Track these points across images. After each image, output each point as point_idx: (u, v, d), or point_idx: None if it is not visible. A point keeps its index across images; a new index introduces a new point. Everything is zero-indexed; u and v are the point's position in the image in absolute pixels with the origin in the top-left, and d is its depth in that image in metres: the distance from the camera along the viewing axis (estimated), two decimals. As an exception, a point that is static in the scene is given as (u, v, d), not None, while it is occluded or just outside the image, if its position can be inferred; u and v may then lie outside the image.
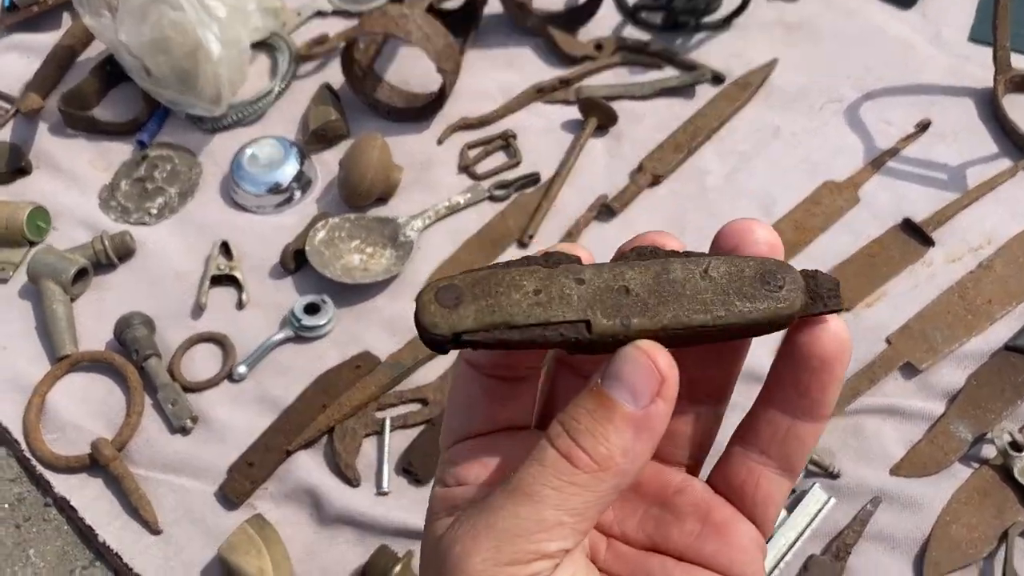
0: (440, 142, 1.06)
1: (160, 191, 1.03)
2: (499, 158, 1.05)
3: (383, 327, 0.92)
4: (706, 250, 0.31)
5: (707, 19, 1.12)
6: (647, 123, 1.06)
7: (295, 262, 0.96)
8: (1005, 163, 0.99)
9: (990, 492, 0.79)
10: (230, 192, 1.03)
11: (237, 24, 1.06)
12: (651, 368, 0.27)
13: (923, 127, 1.01)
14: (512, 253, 0.96)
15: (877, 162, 1.00)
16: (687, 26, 1.11)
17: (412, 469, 0.82)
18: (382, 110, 1.08)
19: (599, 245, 0.96)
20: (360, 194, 0.97)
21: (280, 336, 0.91)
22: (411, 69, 1.12)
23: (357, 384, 0.87)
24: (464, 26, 1.13)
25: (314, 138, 1.05)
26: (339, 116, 1.05)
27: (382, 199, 1.01)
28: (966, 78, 1.07)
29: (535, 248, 0.96)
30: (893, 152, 1.00)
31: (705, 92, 1.07)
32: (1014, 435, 0.80)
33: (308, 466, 0.84)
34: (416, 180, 1.03)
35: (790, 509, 0.78)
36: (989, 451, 0.81)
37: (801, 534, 0.77)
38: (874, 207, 0.97)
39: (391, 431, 0.85)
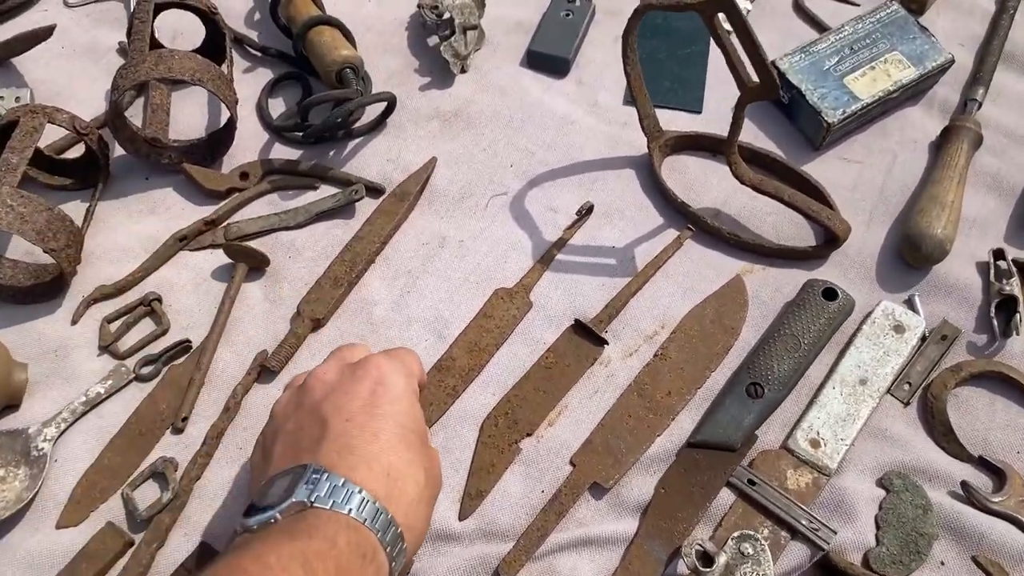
0: (75, 322, 0.93)
1: None
2: (148, 325, 0.93)
3: (23, 569, 0.79)
4: None
5: (357, 125, 1.04)
6: (306, 255, 0.96)
7: (-94, 511, 0.81)
8: (672, 234, 0.96)
9: (690, 613, 0.75)
10: None
11: None
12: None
13: (586, 211, 0.97)
14: (167, 442, 0.85)
15: (546, 258, 0.95)
16: (336, 137, 1.03)
17: None
18: (5, 294, 0.94)
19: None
20: (-28, 414, 0.84)
21: None
22: (36, 237, 0.99)
23: (-12, 654, 0.74)
24: (92, 176, 1.01)
25: (-78, 347, 0.91)
26: (-52, 316, 0.91)
27: (12, 406, 0.88)
28: (625, 146, 1.03)
29: (191, 430, 0.85)
30: (560, 244, 0.95)
31: (366, 207, 1.00)
32: (704, 545, 0.76)
33: None
34: (52, 373, 0.90)
35: None
36: (684, 567, 0.77)
37: None
38: (548, 309, 0.92)
39: None
